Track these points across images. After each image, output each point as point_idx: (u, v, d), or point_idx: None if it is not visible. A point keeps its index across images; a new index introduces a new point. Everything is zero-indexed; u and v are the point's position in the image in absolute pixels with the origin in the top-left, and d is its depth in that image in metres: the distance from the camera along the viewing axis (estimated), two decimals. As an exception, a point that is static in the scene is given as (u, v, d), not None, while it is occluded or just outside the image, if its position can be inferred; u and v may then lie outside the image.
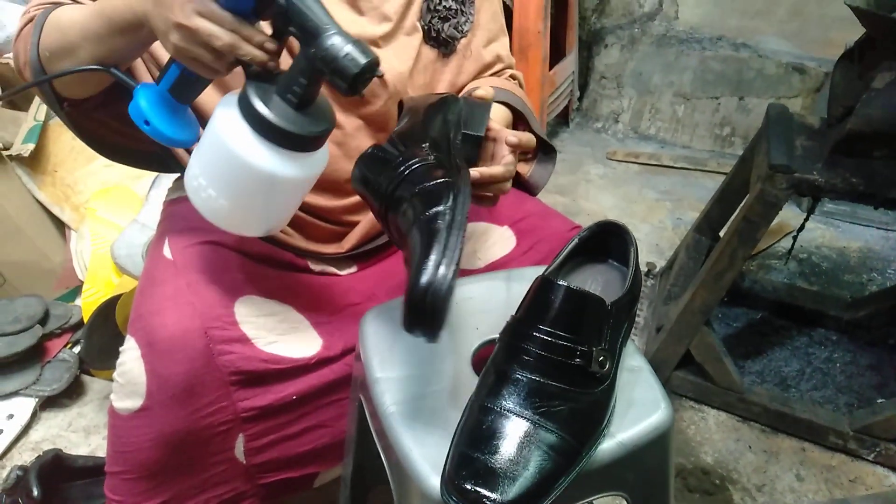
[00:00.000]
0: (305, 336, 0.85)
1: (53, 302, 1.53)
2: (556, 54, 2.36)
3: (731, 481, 1.33)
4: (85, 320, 1.46)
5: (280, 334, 0.83)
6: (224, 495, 0.86)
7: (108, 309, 1.43)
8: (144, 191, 1.64)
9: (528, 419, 0.56)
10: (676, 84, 2.53)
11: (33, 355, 1.42)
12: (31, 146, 1.58)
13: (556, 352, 0.58)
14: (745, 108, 2.45)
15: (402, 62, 0.89)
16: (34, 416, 1.41)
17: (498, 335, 0.64)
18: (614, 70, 2.65)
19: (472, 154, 0.77)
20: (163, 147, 0.84)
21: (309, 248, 0.95)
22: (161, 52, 0.83)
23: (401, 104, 0.85)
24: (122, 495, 0.80)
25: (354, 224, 0.97)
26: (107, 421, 0.81)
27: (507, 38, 1.04)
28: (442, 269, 0.53)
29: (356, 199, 0.94)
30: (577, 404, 0.58)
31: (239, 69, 0.66)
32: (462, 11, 0.93)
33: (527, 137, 0.78)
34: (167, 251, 0.85)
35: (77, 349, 1.50)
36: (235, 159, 0.65)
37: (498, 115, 0.90)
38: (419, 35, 0.91)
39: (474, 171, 0.72)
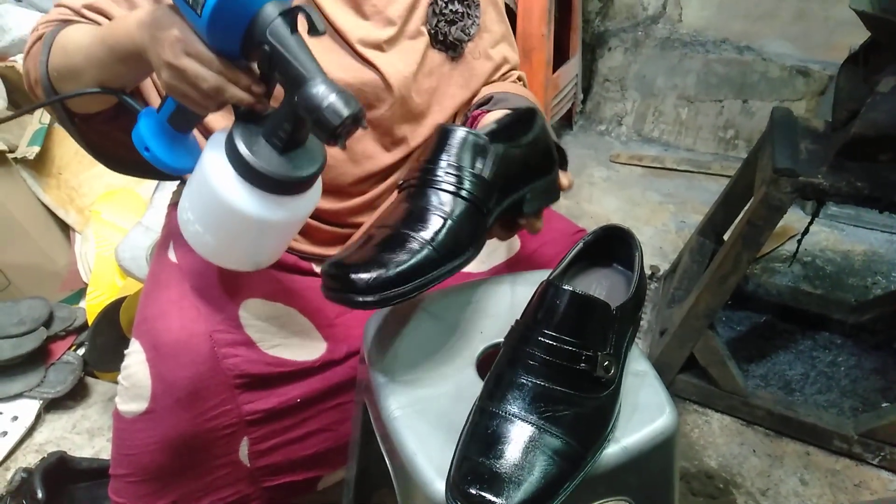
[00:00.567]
0: (310, 339, 0.86)
1: (58, 304, 1.54)
2: (560, 57, 2.36)
3: (735, 485, 1.32)
4: (89, 323, 1.46)
5: (284, 337, 0.83)
6: (228, 498, 0.86)
7: (112, 311, 1.43)
8: (149, 194, 1.65)
9: (533, 424, 0.56)
10: (680, 87, 2.53)
11: (38, 357, 1.42)
12: (37, 149, 1.58)
13: (561, 356, 0.58)
14: (749, 112, 2.45)
15: (407, 66, 0.89)
16: (38, 419, 1.41)
17: (503, 339, 0.64)
18: (618, 73, 2.65)
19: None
20: None
21: (313, 252, 0.95)
22: None
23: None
24: (126, 498, 0.80)
25: (358, 226, 0.97)
26: (111, 423, 0.81)
27: (512, 39, 1.04)
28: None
29: (360, 201, 0.94)
30: (581, 409, 0.58)
31: None
32: (468, 14, 0.93)
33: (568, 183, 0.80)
34: (172, 254, 0.86)
35: (81, 351, 1.50)
36: (219, 201, 0.65)
37: None
38: (424, 39, 0.91)
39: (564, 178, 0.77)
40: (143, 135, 0.71)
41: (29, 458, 1.34)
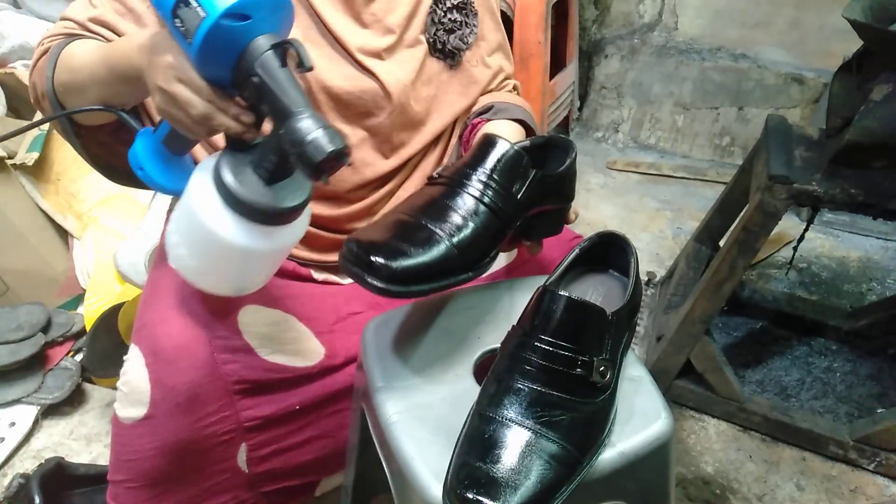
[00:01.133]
0: (308, 345, 0.86)
1: (56, 310, 1.54)
2: (557, 65, 2.37)
3: (732, 491, 1.33)
4: (87, 328, 1.46)
5: (283, 343, 0.84)
6: (226, 504, 0.86)
7: (110, 317, 1.43)
8: (147, 200, 1.65)
9: (530, 428, 0.57)
10: (676, 94, 2.54)
11: (35, 363, 1.42)
12: (35, 155, 1.59)
13: (558, 361, 0.59)
14: (745, 119, 2.46)
15: (406, 74, 0.90)
16: (36, 424, 1.41)
17: (500, 345, 0.64)
18: (614, 80, 2.66)
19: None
20: None
21: (312, 258, 0.95)
22: None
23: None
24: (124, 503, 0.81)
25: (356, 233, 0.97)
26: (108, 429, 0.82)
27: (508, 48, 1.05)
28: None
29: (359, 207, 0.95)
30: (578, 414, 0.58)
31: None
32: (466, 23, 0.94)
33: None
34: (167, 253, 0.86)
35: (79, 357, 1.50)
36: (204, 228, 0.65)
37: (517, 137, 0.91)
38: (423, 47, 0.92)
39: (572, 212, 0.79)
40: (138, 155, 0.73)
41: (26, 463, 1.34)
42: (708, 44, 2.47)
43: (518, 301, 0.72)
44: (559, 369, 0.59)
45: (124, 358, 0.79)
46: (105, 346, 1.42)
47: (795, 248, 1.43)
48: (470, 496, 0.52)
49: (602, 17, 2.60)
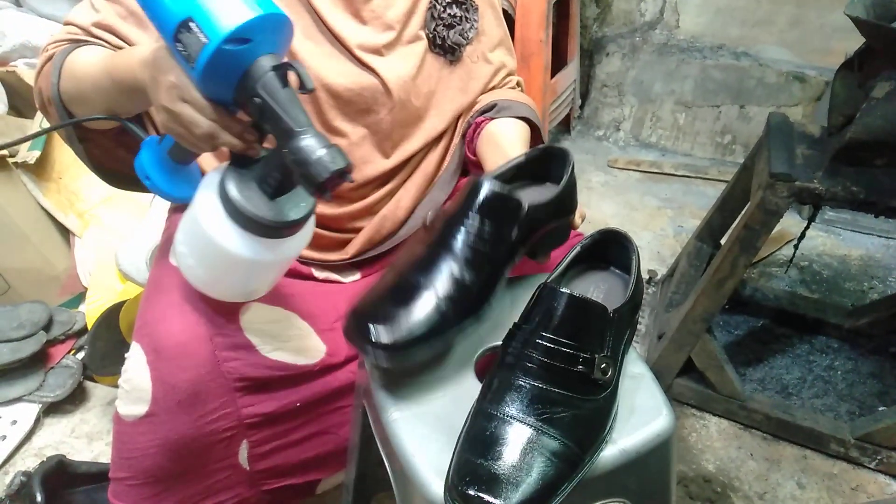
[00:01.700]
0: (309, 343, 0.86)
1: (57, 308, 1.54)
2: (558, 63, 2.37)
3: (733, 489, 1.33)
4: (89, 327, 1.46)
5: (284, 341, 0.84)
6: (227, 501, 0.86)
7: (112, 315, 1.43)
8: (149, 198, 1.65)
9: (531, 425, 0.56)
10: (677, 92, 2.54)
11: (37, 361, 1.43)
12: (37, 153, 1.59)
13: (559, 359, 0.59)
14: (746, 117, 2.46)
15: (406, 70, 0.90)
16: (37, 422, 1.41)
17: (501, 342, 0.64)
18: (615, 78, 2.66)
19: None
20: None
21: (313, 256, 0.95)
22: None
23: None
24: (126, 501, 0.81)
25: (358, 230, 0.97)
26: (110, 427, 0.82)
27: (510, 43, 1.05)
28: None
29: (360, 206, 0.95)
30: (579, 411, 0.58)
31: None
32: (466, 18, 0.94)
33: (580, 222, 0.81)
34: (173, 259, 0.86)
35: (81, 355, 1.50)
36: (209, 240, 0.67)
37: (522, 135, 0.91)
38: (423, 43, 0.92)
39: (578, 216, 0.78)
40: (144, 164, 0.74)
41: (28, 461, 1.34)
42: (709, 42, 2.46)
43: (519, 298, 0.72)
44: (560, 366, 0.59)
45: (126, 356, 0.80)
46: (106, 344, 1.42)
47: (797, 247, 1.43)
48: (472, 493, 0.52)
49: (603, 15, 2.60)
